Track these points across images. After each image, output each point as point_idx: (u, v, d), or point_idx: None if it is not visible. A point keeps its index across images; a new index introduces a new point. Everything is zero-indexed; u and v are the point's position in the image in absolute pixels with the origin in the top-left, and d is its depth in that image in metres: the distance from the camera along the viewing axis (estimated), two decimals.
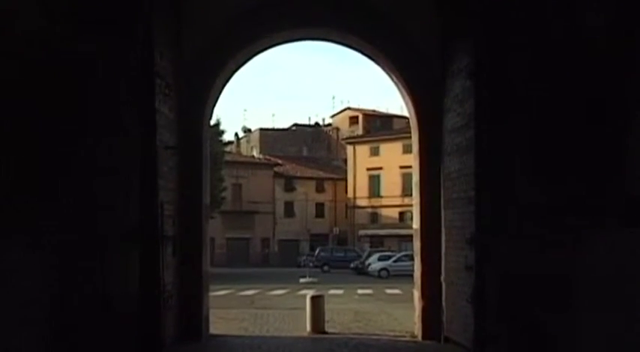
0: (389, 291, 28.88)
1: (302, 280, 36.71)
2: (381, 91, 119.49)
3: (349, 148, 71.09)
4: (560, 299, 7.60)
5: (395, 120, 78.52)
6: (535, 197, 8.09)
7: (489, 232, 8.69)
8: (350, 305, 21.01)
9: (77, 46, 7.09)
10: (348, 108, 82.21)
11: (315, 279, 37.32)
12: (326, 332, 12.75)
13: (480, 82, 8.85)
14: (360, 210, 67.37)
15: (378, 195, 66.34)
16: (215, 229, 48.97)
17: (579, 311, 7.24)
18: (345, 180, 70.56)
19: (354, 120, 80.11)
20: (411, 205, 12.98)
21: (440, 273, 10.72)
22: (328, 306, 14.36)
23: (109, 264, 7.76)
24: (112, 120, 7.93)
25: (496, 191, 8.66)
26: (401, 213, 63.33)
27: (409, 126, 12.55)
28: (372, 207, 66.78)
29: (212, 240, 47.56)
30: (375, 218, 66.69)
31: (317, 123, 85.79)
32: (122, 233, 8.09)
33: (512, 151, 8.50)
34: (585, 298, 7.18)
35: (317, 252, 56.75)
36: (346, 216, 69.40)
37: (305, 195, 69.83)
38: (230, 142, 75.58)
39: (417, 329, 11.43)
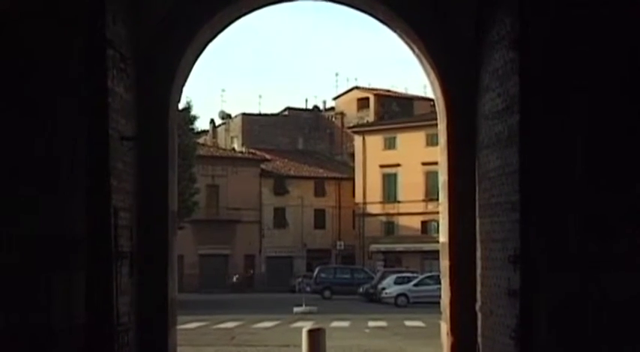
0: (408, 324, 28.94)
1: (296, 309, 36.77)
2: (398, 66, 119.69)
3: (357, 139, 71.24)
4: (637, 328, 7.61)
5: (416, 102, 78.73)
6: (601, 201, 8.05)
7: (538, 247, 8.66)
8: (358, 342, 21.03)
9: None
10: (356, 88, 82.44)
11: (313, 308, 37.41)
12: None
13: (527, 52, 8.81)
14: (371, 219, 67.47)
15: (395, 200, 66.49)
16: (185, 243, 49.09)
17: None
18: (352, 180, 70.70)
19: (363, 102, 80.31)
20: (436, 212, 12.94)
21: (474, 300, 10.70)
22: (330, 343, 14.36)
23: (46, 289, 7.72)
24: (50, 102, 7.89)
25: (548, 194, 8.63)
26: (423, 223, 63.50)
27: (434, 111, 12.53)
28: (387, 214, 66.89)
29: (181, 257, 47.64)
30: (390, 229, 66.82)
31: (316, 107, 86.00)
32: (64, 248, 8.05)
33: (570, 143, 8.47)
34: None
35: (316, 272, 56.89)
36: (353, 227, 69.57)
37: (300, 199, 69.96)
38: (204, 132, 75.81)
39: None
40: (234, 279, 64.16)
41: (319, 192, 72.03)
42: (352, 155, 73.70)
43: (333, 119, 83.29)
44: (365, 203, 68.10)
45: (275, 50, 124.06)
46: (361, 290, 50.95)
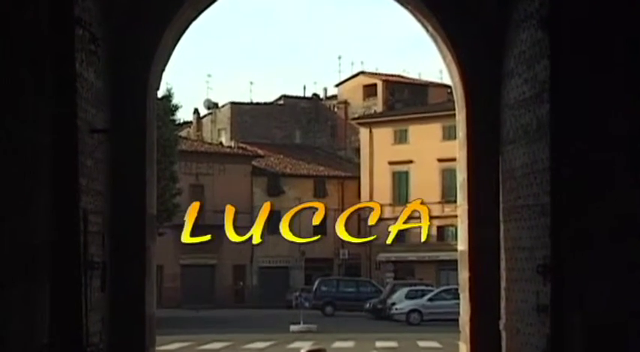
0: (422, 344, 28.99)
1: (294, 327, 36.82)
2: (409, 48, 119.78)
3: (363, 132, 71.31)
4: None
5: (431, 90, 78.78)
6: None
7: (572, 256, 8.65)
8: None
9: None
10: (362, 73, 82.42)
11: (312, 326, 37.46)
12: None
13: (558, 32, 8.80)
14: (379, 224, 67.41)
15: (406, 202, 66.42)
16: (165, 252, 49.11)
17: None
18: (357, 179, 70.72)
19: (370, 90, 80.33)
20: (454, 216, 12.94)
21: (498, 317, 10.71)
22: None
23: (3, 305, 7.71)
24: (10, 89, 7.88)
25: (583, 195, 8.62)
26: (440, 229, 63.53)
27: (452, 100, 12.54)
28: (397, 218, 66.86)
29: (160, 268, 47.69)
30: (401, 235, 66.75)
31: (316, 95, 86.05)
32: (23, 258, 8.04)
33: (608, 135, 8.47)
34: None
35: (316, 285, 56.95)
36: (359, 232, 69.49)
37: (298, 200, 69.89)
38: (187, 123, 75.87)
39: None
40: None
41: (319, 192, 72.04)
42: (357, 150, 73.79)
43: (336, 109, 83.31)
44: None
45: (268, 30, 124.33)
46: (368, 305, 51.01)
